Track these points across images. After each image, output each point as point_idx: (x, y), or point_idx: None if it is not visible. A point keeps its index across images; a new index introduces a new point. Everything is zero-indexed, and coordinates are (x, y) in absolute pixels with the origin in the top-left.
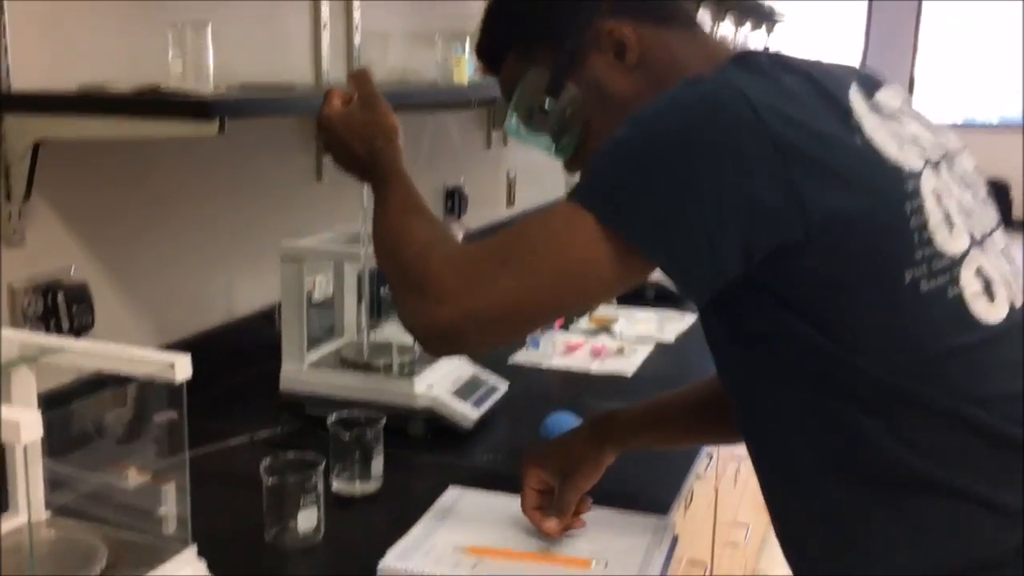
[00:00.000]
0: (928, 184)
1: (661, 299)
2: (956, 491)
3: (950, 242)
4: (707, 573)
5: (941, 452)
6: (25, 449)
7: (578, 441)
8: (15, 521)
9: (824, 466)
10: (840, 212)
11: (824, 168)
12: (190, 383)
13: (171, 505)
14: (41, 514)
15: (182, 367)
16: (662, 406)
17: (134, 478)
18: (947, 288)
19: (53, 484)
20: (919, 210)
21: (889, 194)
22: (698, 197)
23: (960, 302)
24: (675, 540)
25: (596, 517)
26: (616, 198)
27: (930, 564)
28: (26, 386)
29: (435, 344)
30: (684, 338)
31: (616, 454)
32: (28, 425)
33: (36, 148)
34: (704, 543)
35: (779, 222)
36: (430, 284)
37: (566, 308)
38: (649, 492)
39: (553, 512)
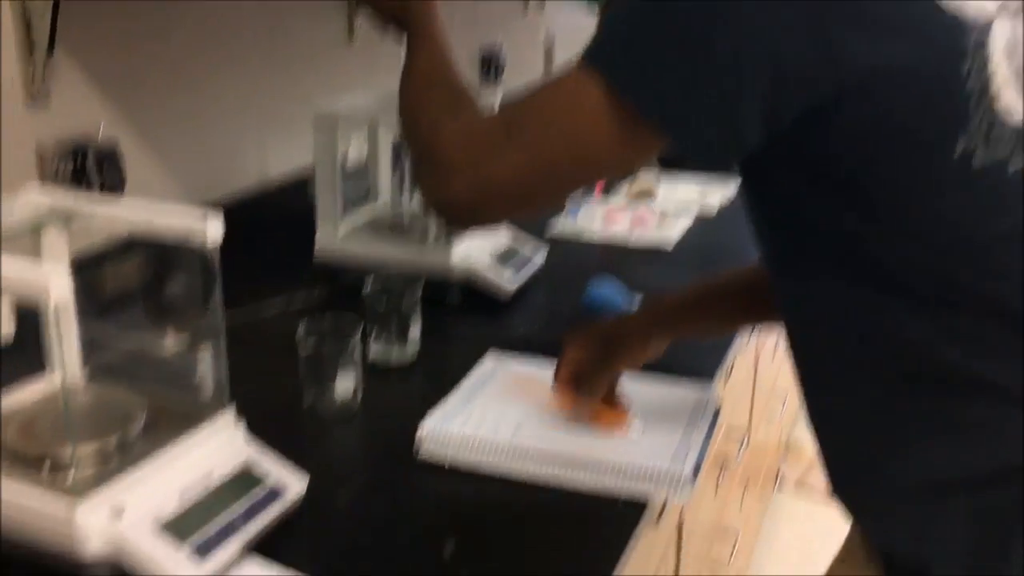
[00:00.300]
0: (1000, 36)
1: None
2: (1003, 393)
3: (1017, 107)
4: (744, 443)
5: (989, 350)
6: (57, 309)
7: (625, 320)
8: (51, 383)
9: (858, 360)
10: (879, 67)
11: (863, 16)
12: (224, 248)
13: (208, 368)
14: (78, 376)
15: (214, 227)
16: (711, 288)
17: (170, 342)
18: (1007, 162)
19: (89, 347)
20: (981, 68)
21: (942, 49)
22: (714, 58)
23: (1022, 179)
24: (718, 410)
25: (637, 385)
26: (624, 61)
27: (967, 466)
28: (57, 247)
29: (449, 218)
30: (728, 207)
31: (664, 342)
32: (57, 284)
33: (57, 0)
34: (742, 412)
35: (806, 79)
36: (441, 158)
37: (577, 180)
38: (692, 360)
39: (583, 391)
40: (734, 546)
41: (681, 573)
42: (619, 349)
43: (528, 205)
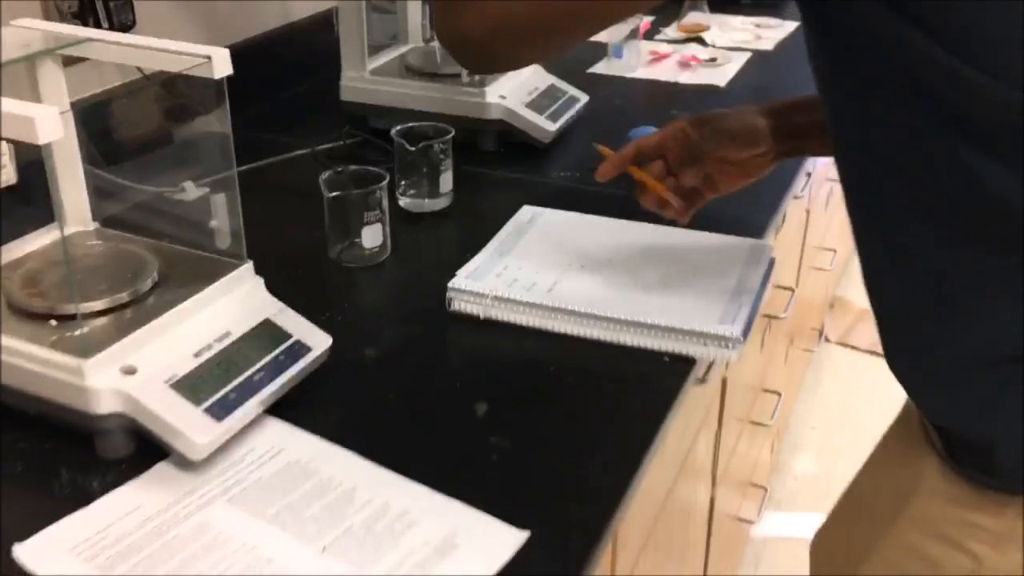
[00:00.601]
0: None
1: (759, 3)
2: None
3: None
4: (792, 298)
5: None
6: (50, 149)
7: (751, 116)
8: (60, 232)
9: (927, 216)
10: None
11: None
12: (246, 92)
13: (223, 218)
14: (88, 225)
15: (220, 61)
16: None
17: (185, 190)
18: None
19: (101, 195)
20: None
21: None
22: None
23: None
24: (772, 262)
25: (685, 239)
26: None
27: None
28: (54, 84)
29: (464, 59)
30: (784, 46)
31: (776, 155)
32: (45, 122)
33: None
34: (791, 266)
35: None
36: None
37: (600, 14)
38: (743, 214)
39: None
40: (777, 404)
41: (724, 431)
42: (733, 141)
43: (547, 44)
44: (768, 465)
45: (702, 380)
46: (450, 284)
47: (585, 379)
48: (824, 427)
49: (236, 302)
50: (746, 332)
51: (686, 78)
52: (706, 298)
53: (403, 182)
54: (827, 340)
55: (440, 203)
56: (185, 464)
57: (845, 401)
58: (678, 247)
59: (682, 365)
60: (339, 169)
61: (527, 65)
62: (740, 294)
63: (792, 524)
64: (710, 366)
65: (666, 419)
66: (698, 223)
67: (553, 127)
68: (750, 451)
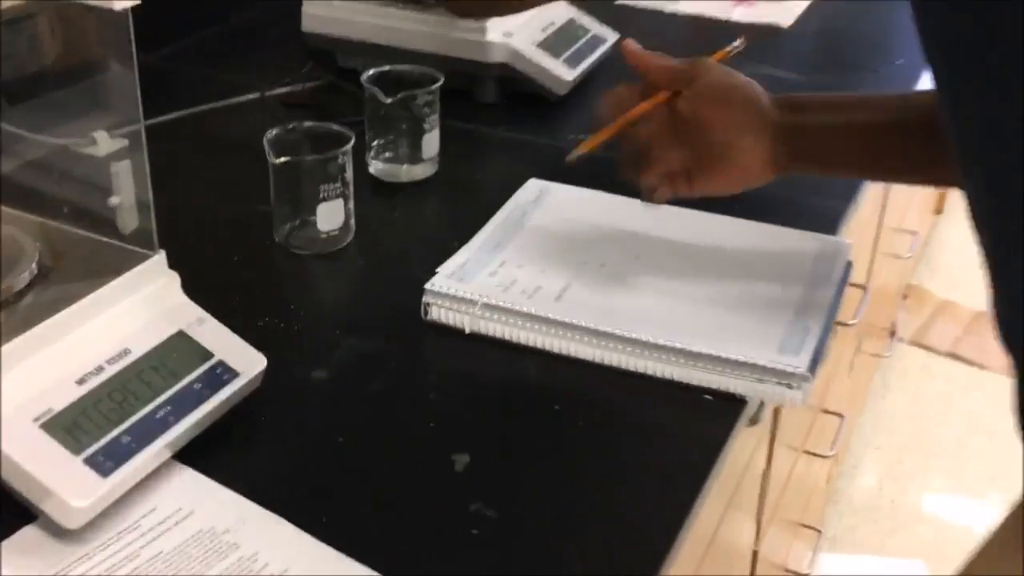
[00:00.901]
0: None
1: None
2: None
3: None
4: (864, 297)
5: None
6: None
7: (751, 88)
8: None
9: None
10: None
11: None
12: (182, 18)
13: (127, 192)
14: None
15: None
16: (855, 112)
17: (102, 142)
18: None
19: None
20: None
21: None
22: None
23: None
24: (848, 266)
25: (737, 231)
26: None
27: None
28: None
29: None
30: None
31: (776, 160)
32: None
33: None
34: (864, 256)
35: None
36: None
37: None
38: (808, 200)
39: None
40: (839, 428)
41: (774, 465)
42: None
43: None
44: (823, 496)
45: (754, 421)
46: (427, 286)
47: (601, 422)
48: (890, 447)
49: (140, 307)
50: (814, 365)
51: (740, 15)
52: (763, 316)
53: (375, 142)
54: (899, 340)
55: (421, 171)
56: (59, 530)
57: (916, 415)
58: (727, 242)
59: (731, 405)
60: (291, 126)
61: (533, 7)
62: (807, 312)
63: (849, 568)
64: (763, 403)
65: (707, 481)
66: (752, 211)
67: (571, 75)
68: (803, 483)
